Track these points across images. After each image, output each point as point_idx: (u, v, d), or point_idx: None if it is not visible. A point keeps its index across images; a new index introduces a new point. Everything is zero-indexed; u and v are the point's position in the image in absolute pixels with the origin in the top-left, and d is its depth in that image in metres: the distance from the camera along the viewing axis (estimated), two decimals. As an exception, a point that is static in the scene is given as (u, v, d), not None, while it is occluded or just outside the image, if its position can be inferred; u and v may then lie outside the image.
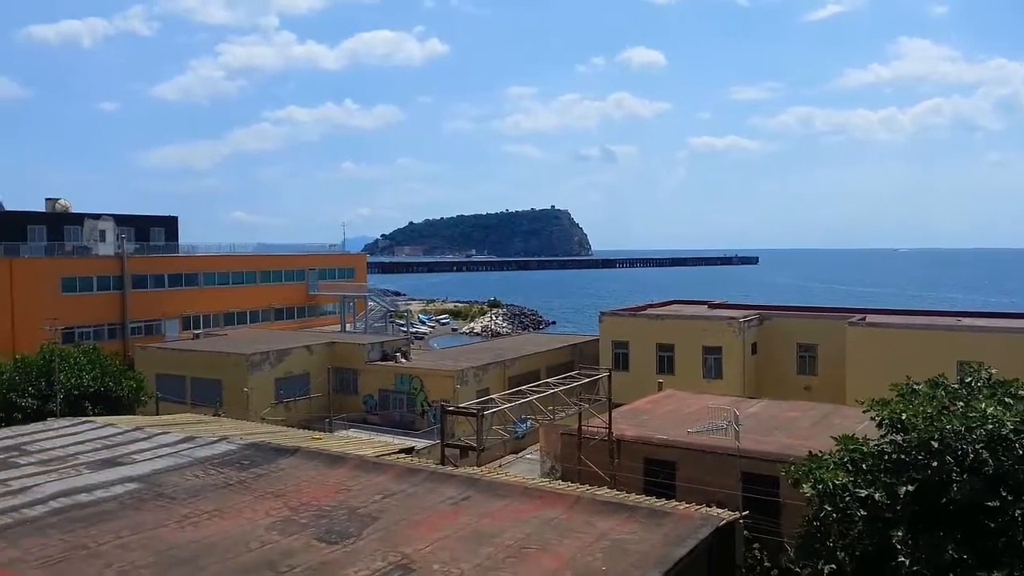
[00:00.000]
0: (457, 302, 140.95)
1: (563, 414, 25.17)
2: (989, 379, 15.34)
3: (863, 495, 13.19)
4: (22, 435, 17.86)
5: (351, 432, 37.30)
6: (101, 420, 19.76)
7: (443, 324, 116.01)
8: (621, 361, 44.18)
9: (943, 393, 14.85)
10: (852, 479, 13.59)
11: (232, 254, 77.80)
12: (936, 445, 13.07)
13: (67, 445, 16.56)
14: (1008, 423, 12.81)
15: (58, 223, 67.33)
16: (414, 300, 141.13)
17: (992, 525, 12.40)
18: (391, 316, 79.85)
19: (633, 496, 13.64)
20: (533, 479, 16.74)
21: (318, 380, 43.62)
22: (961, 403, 14.17)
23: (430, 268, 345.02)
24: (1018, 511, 12.20)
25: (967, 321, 41.86)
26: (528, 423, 25.70)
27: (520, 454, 37.64)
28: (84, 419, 19.98)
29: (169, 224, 76.49)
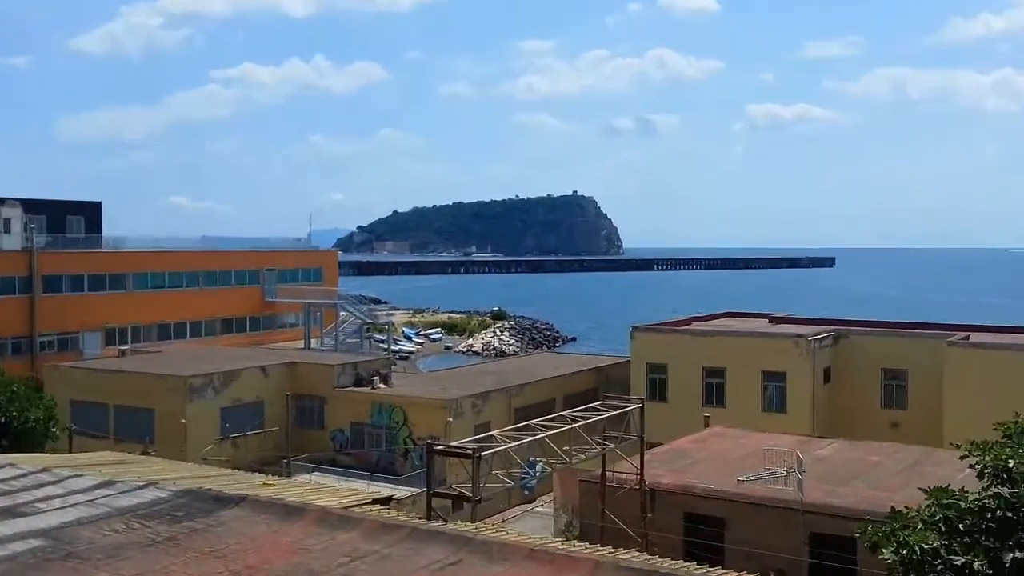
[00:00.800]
0: (452, 313, 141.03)
1: (583, 456, 25.18)
2: (1124, 417, 15.27)
3: (959, 563, 13.14)
4: (-100, 477, 17.95)
5: (314, 476, 37.32)
6: (-1, 459, 19.85)
7: (434, 340, 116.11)
8: (657, 389, 44.16)
9: (1063, 434, 14.78)
10: (946, 543, 13.54)
11: (169, 250, 78.17)
12: (1052, 501, 13.01)
13: (-44, 490, 16.63)
14: None
15: (-50, 210, 67.84)
16: (398, 310, 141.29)
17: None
18: (368, 330, 79.96)
19: (668, 561, 13.62)
20: (543, 538, 16.73)
21: (274, 410, 43.71)
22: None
23: (419, 269, 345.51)
24: None
25: (1098, 342, 41.64)
26: (539, 467, 25.70)
27: (529, 506, 37.62)
28: (-22, 457, 20.07)
29: (91, 211, 76.97)
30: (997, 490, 14.05)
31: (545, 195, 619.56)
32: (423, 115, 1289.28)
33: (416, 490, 35.06)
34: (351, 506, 16.51)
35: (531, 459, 25.12)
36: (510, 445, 22.99)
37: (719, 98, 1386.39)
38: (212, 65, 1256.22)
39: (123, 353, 58.40)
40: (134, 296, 69.86)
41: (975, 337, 42.83)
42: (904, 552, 13.64)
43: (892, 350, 43.51)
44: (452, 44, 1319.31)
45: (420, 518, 17.38)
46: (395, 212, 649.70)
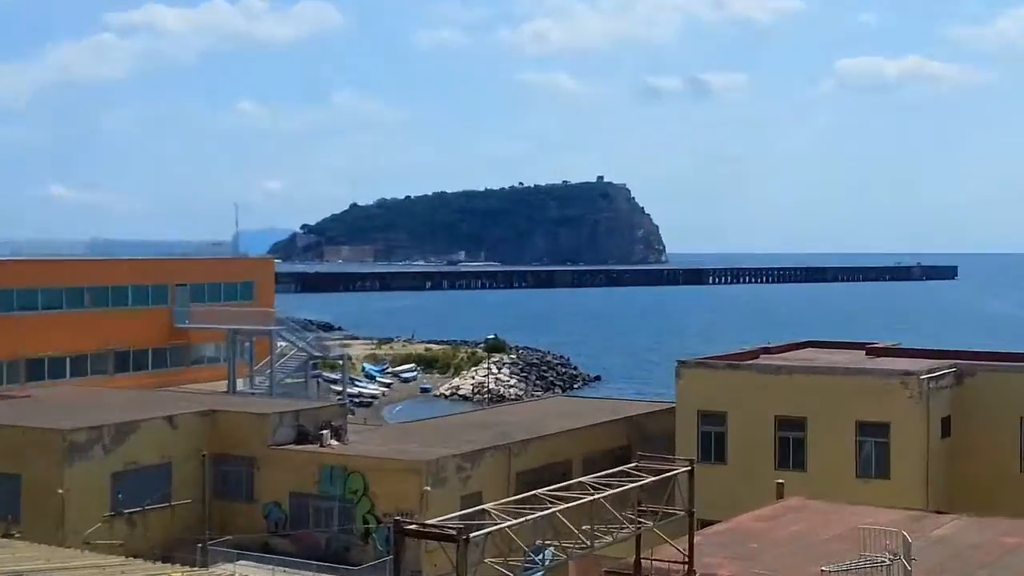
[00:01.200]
0: (431, 343, 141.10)
1: (610, 539, 25.11)
2: None
3: None
4: None
5: (239, 567, 37.23)
6: None
7: (406, 380, 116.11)
8: (713, 447, 44.25)
9: None
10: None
11: (47, 257, 78.32)
12: None
13: None
14: None
15: None
16: (356, 339, 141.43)
17: None
18: (315, 366, 79.89)
19: None
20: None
21: (186, 475, 43.64)
22: None
23: (386, 283, 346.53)
24: None
25: None
26: (549, 554, 25.61)
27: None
28: None
29: (-65, 205, 77.02)
30: None
31: (560, 182, 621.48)
32: (394, 75, 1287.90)
33: (381, 585, 35.07)
34: (288, 608, 16.44)
35: (538, 543, 25.02)
36: (510, 523, 22.88)
37: (798, 50, 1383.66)
38: (105, 7, 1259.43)
39: (-20, 398, 58.38)
40: (-5, 320, 69.92)
41: None
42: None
43: (1035, 392, 43.44)
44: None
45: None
46: (353, 206, 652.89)
